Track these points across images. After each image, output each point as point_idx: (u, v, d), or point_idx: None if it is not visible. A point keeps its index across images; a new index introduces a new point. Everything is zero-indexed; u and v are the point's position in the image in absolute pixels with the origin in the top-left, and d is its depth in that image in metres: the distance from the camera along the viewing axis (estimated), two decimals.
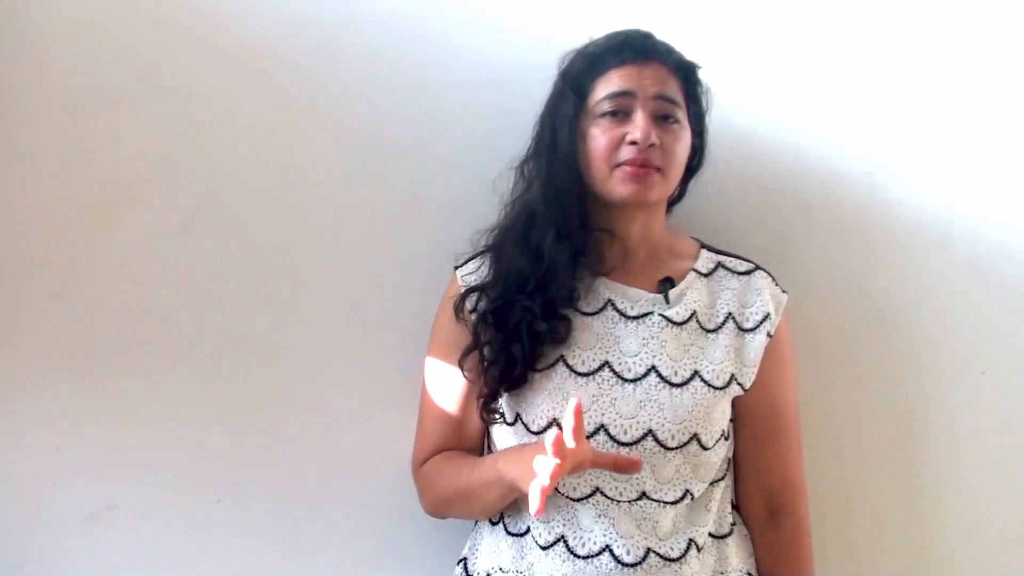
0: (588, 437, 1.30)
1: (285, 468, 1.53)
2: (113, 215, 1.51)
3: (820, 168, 1.58)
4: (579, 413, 1.13)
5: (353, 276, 1.55)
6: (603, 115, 1.33)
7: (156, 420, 1.51)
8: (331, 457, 1.54)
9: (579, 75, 1.36)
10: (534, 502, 1.13)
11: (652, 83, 1.33)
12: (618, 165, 1.32)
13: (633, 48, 1.35)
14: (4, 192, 1.48)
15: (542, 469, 1.12)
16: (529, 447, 1.27)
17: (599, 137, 1.33)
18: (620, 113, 1.33)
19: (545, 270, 1.33)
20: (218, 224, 1.53)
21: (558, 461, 1.11)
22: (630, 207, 1.35)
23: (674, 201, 1.46)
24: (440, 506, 1.43)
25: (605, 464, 1.22)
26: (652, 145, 1.30)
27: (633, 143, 1.30)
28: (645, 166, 1.31)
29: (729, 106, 1.46)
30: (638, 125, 1.31)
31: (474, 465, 1.35)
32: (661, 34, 1.39)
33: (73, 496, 1.50)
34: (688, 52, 1.39)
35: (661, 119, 1.33)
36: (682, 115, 1.36)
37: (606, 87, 1.34)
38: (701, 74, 1.41)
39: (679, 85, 1.37)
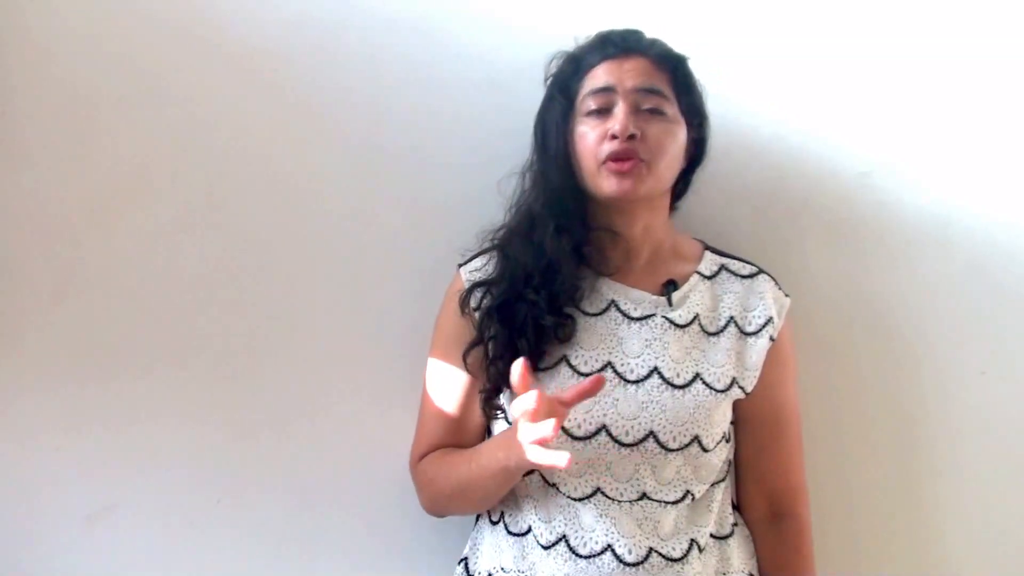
0: (589, 437, 1.30)
1: (285, 468, 1.53)
2: (113, 215, 1.50)
3: (819, 168, 1.58)
4: (525, 375, 1.14)
5: (354, 276, 1.54)
6: (588, 113, 1.34)
7: (156, 420, 1.50)
8: (332, 457, 1.53)
9: (566, 78, 1.38)
10: (550, 458, 1.12)
11: (631, 76, 1.33)
12: (604, 161, 1.31)
13: (614, 44, 1.36)
14: (4, 192, 1.48)
15: (535, 430, 1.12)
16: (511, 430, 1.23)
17: (587, 135, 1.33)
18: (604, 110, 1.33)
19: (547, 263, 1.33)
20: (218, 225, 1.52)
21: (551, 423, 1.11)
22: (625, 205, 1.35)
23: (677, 196, 1.46)
24: (439, 502, 1.42)
25: (572, 400, 1.18)
26: (632, 136, 1.30)
27: (614, 137, 1.30)
28: (628, 159, 1.30)
29: (728, 106, 1.46)
30: (617, 118, 1.31)
31: (469, 458, 1.34)
32: (658, 33, 1.39)
33: (73, 496, 1.50)
34: (686, 52, 1.39)
35: (647, 112, 1.33)
36: (669, 107, 1.35)
37: (590, 84, 1.35)
38: (692, 65, 1.39)
39: (666, 77, 1.36)
